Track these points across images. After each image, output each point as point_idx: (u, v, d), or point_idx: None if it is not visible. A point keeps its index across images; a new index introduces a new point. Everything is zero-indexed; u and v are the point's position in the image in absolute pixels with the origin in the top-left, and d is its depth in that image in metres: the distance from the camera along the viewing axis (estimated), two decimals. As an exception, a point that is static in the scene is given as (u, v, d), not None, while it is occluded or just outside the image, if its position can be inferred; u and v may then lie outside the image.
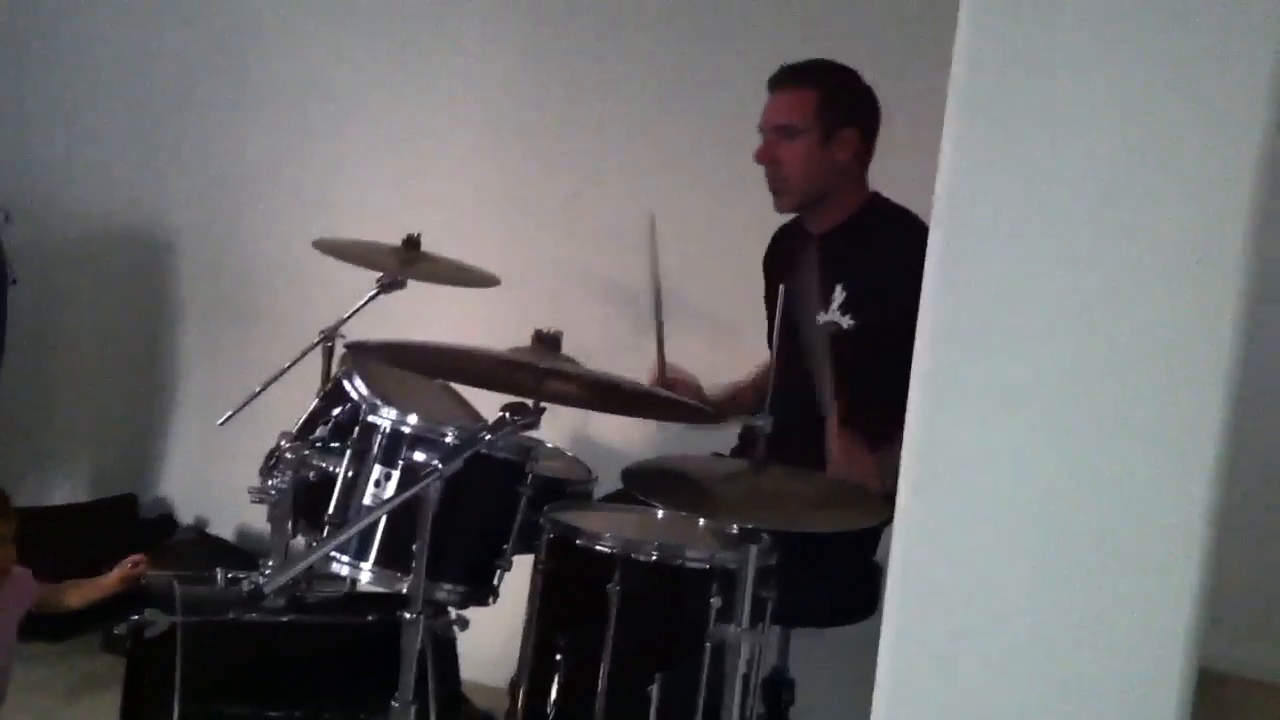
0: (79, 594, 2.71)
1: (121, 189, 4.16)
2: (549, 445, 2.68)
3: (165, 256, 4.12)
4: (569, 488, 2.55)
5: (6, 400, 3.80)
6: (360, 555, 2.26)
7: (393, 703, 2.04)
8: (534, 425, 2.15)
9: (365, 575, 2.26)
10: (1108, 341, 1.37)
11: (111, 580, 2.68)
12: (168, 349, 4.15)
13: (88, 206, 4.19)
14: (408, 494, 2.04)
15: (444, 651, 2.52)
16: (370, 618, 2.49)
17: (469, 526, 2.32)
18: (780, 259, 2.95)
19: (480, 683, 2.86)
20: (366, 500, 2.26)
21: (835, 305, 2.72)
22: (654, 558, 2.29)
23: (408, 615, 2.04)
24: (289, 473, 2.31)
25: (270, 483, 2.36)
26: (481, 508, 2.34)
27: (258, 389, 2.87)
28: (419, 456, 2.23)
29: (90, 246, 4.20)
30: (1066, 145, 1.37)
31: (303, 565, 2.03)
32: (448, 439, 2.25)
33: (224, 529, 3.88)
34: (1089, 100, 1.36)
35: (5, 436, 3.87)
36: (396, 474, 2.26)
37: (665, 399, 2.54)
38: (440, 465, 2.03)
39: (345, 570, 2.27)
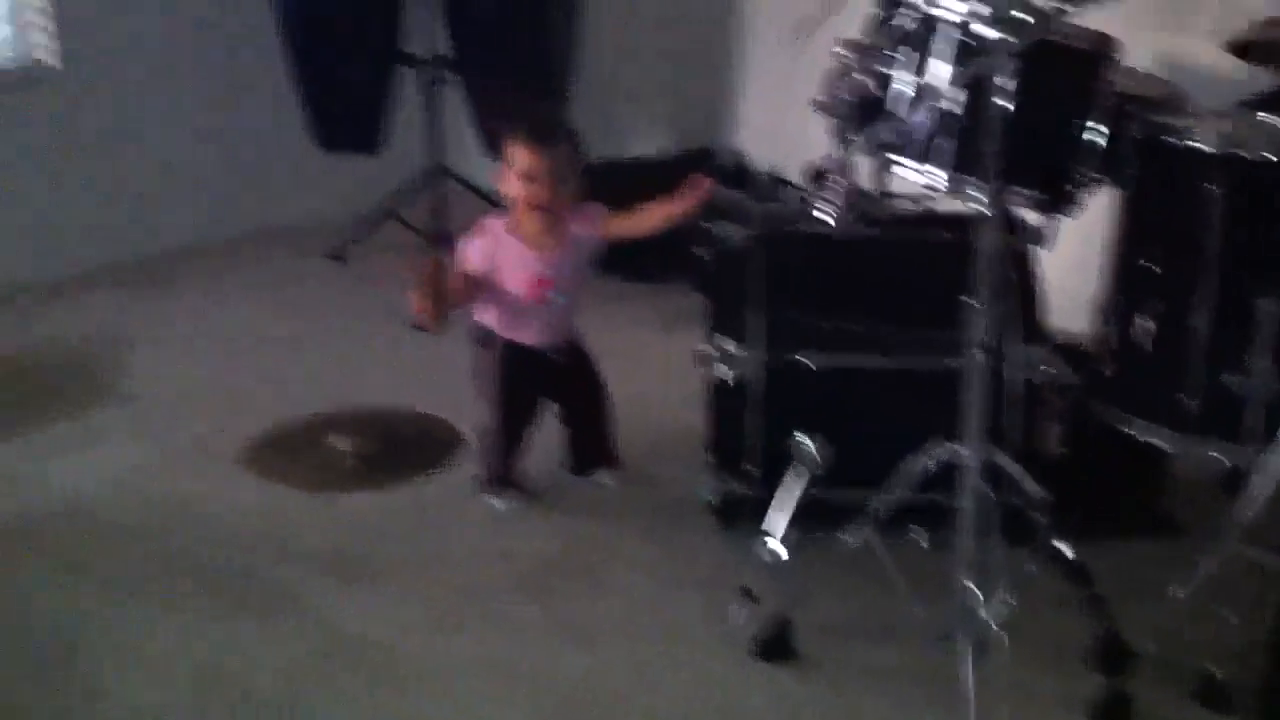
0: (652, 216, 2.62)
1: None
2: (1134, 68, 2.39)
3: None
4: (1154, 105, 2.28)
5: (590, 62, 3.98)
6: (927, 160, 2.09)
7: (970, 302, 1.92)
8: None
9: (934, 182, 2.11)
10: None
11: (682, 201, 2.59)
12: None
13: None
14: (970, 74, 1.88)
15: (1024, 266, 2.41)
16: (943, 234, 2.41)
17: (1044, 128, 2.07)
18: None
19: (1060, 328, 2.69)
20: (930, 102, 2.08)
21: None
22: (1264, 156, 2.03)
23: (982, 219, 1.92)
24: (849, 83, 2.18)
25: (832, 97, 2.24)
26: (1056, 107, 2.08)
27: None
28: (984, 46, 1.98)
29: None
30: None
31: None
32: (1015, 20, 1.98)
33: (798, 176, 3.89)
34: None
35: (586, 94, 4.07)
36: (961, 70, 2.01)
37: None
38: (1011, 51, 1.83)
39: (914, 178, 2.13)
